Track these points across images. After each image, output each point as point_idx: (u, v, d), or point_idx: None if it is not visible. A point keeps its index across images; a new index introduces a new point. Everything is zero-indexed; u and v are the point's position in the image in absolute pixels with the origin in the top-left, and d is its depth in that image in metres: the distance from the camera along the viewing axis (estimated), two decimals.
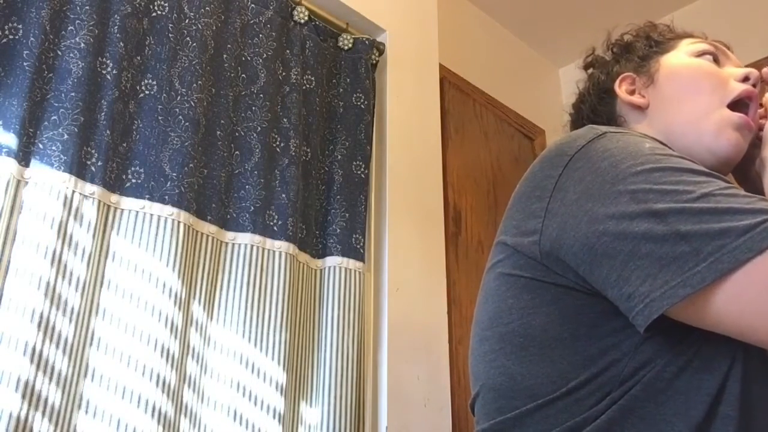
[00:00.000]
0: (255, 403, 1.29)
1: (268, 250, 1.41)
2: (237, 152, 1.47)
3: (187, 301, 1.27)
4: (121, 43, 1.31)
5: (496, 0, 2.53)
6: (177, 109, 1.35)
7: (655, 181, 0.61)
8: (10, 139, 1.13)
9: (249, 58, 1.55)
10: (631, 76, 0.90)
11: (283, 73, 1.60)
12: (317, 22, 1.73)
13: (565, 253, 0.65)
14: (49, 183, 1.15)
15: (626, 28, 0.99)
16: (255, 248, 1.39)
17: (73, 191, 1.17)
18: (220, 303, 1.33)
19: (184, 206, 1.30)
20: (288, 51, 1.63)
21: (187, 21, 1.43)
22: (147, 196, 1.27)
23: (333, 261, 1.53)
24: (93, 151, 1.23)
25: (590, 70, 0.99)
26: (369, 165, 1.69)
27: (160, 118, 1.33)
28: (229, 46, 1.51)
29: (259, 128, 1.49)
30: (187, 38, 1.42)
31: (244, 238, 1.40)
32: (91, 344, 1.15)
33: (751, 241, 0.56)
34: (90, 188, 1.20)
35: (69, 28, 1.26)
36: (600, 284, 0.63)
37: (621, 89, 0.90)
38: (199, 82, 1.40)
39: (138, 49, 1.36)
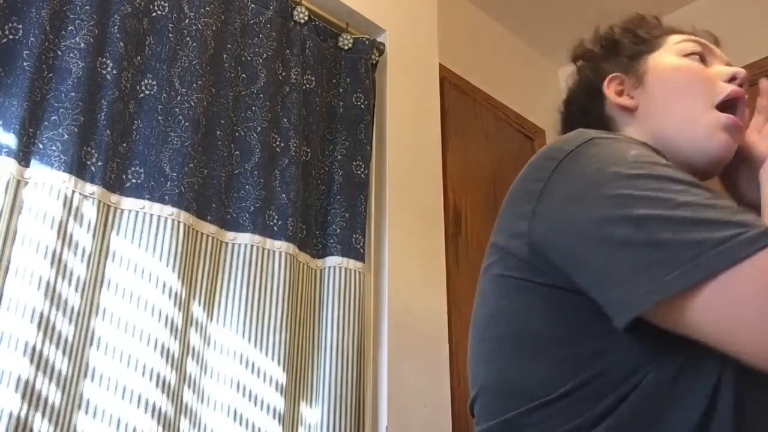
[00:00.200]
0: (255, 403, 1.29)
1: (268, 250, 1.41)
2: (237, 152, 1.47)
3: (187, 301, 1.27)
4: (121, 43, 1.31)
5: (496, 0, 2.53)
6: (177, 109, 1.35)
7: (638, 187, 0.62)
8: (10, 139, 1.13)
9: (249, 58, 1.55)
10: (619, 77, 0.90)
11: (283, 73, 1.60)
12: (317, 22, 1.73)
13: (552, 254, 0.66)
14: (49, 183, 1.15)
15: (614, 20, 0.99)
16: (255, 248, 1.39)
17: (73, 191, 1.17)
18: (220, 303, 1.33)
19: (184, 206, 1.29)
20: (288, 51, 1.63)
21: (187, 21, 1.43)
22: (147, 196, 1.27)
23: (333, 261, 1.53)
24: (93, 151, 1.23)
25: (579, 62, 0.99)
26: (369, 165, 1.69)
27: (160, 118, 1.33)
28: (229, 46, 1.51)
29: (259, 128, 1.49)
30: (187, 38, 1.42)
31: (244, 238, 1.40)
32: (91, 344, 1.15)
33: (724, 253, 0.57)
34: (90, 188, 1.20)
35: (69, 28, 1.26)
36: (584, 286, 0.64)
37: (610, 90, 0.90)
38: (199, 82, 1.40)
39: (138, 49, 1.36)
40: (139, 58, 1.36)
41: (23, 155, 1.16)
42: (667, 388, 0.63)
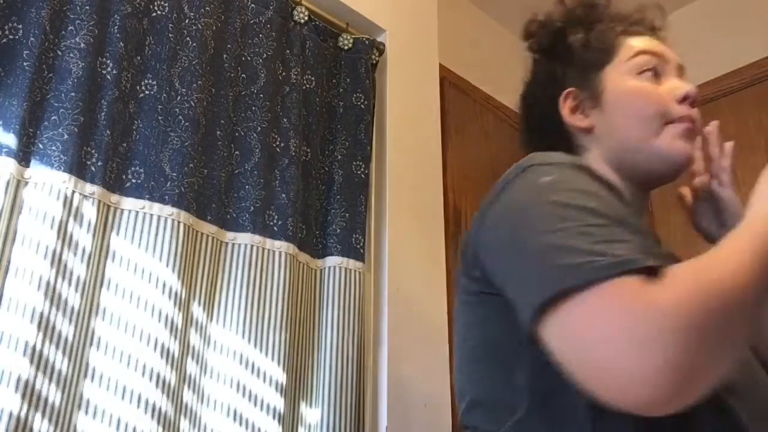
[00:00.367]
0: (255, 403, 1.29)
1: (268, 250, 1.41)
2: (237, 152, 1.47)
3: (187, 301, 1.27)
4: (121, 43, 1.31)
5: (496, 0, 2.53)
6: (177, 109, 1.35)
7: (531, 215, 0.68)
8: (10, 139, 1.13)
9: (249, 58, 1.55)
10: (574, 92, 0.92)
11: (283, 73, 1.60)
12: (317, 22, 1.73)
13: (488, 271, 0.73)
14: (49, 183, 1.15)
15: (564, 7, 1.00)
16: (255, 248, 1.39)
17: (73, 191, 1.17)
18: (220, 303, 1.33)
19: (184, 206, 1.29)
20: (288, 51, 1.63)
21: (187, 21, 1.43)
22: (147, 196, 1.27)
23: (333, 261, 1.53)
24: (93, 151, 1.23)
25: (535, 56, 1.00)
26: (369, 165, 1.69)
27: (160, 118, 1.33)
28: (229, 46, 1.51)
29: (259, 128, 1.49)
30: (187, 38, 1.42)
31: (244, 238, 1.40)
32: (91, 344, 1.15)
33: (568, 277, 0.60)
34: (90, 188, 1.20)
35: (69, 28, 1.26)
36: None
37: (565, 108, 0.92)
38: (199, 82, 1.40)
39: (138, 49, 1.36)
40: (139, 58, 1.36)
41: (23, 155, 1.16)
42: None
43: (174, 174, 1.30)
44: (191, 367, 1.26)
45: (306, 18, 1.68)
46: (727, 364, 0.59)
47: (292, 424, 1.36)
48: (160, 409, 1.15)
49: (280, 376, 1.32)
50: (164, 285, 1.22)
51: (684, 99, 0.86)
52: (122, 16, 1.33)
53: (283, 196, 1.48)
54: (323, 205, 1.60)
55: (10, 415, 1.00)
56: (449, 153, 2.04)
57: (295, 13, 1.67)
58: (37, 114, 1.19)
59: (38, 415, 1.04)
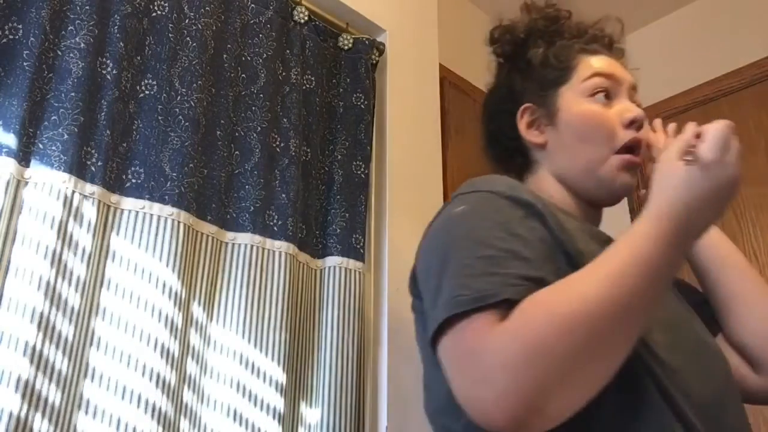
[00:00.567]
0: (255, 403, 1.29)
1: (268, 250, 1.41)
2: (237, 152, 1.47)
3: (187, 301, 1.27)
4: (121, 43, 1.31)
5: (497, 0, 2.53)
6: (177, 109, 1.35)
7: (438, 245, 0.76)
8: (10, 139, 1.13)
9: (249, 58, 1.54)
10: (531, 108, 0.97)
11: (283, 73, 1.60)
12: (317, 22, 1.73)
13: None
14: (49, 183, 1.15)
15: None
16: (255, 248, 1.39)
17: (73, 191, 1.17)
18: (220, 303, 1.33)
19: (184, 206, 1.29)
20: (288, 51, 1.63)
21: (187, 21, 1.43)
22: (147, 196, 1.27)
23: (333, 261, 1.53)
24: (93, 151, 1.23)
25: (498, 60, 1.05)
26: (369, 165, 1.69)
27: (160, 118, 1.33)
28: (229, 46, 1.51)
29: (259, 128, 1.49)
30: (187, 38, 1.42)
31: (244, 238, 1.39)
32: (91, 344, 1.15)
33: (441, 310, 0.67)
34: (90, 188, 1.20)
35: (69, 28, 1.26)
36: None
37: (522, 122, 0.97)
38: (199, 82, 1.40)
39: (138, 49, 1.36)
40: (139, 58, 1.36)
41: (23, 155, 1.16)
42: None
43: (174, 174, 1.30)
44: (191, 367, 1.26)
45: (306, 18, 1.68)
46: (602, 374, 0.62)
47: (292, 424, 1.36)
48: (160, 409, 1.15)
49: (280, 376, 1.32)
50: (164, 285, 1.21)
51: (630, 124, 0.90)
52: (122, 16, 1.33)
53: (283, 196, 1.48)
54: (323, 205, 1.60)
55: (10, 415, 1.00)
56: (449, 153, 2.04)
57: (295, 13, 1.67)
58: (37, 114, 1.19)
59: (38, 415, 1.04)
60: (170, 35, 1.39)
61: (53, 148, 1.17)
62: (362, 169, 1.65)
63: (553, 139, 0.94)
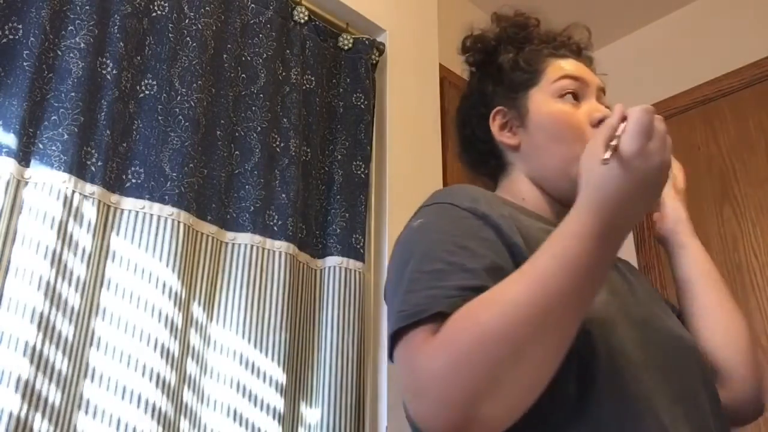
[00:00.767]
0: (255, 403, 1.29)
1: (268, 250, 1.41)
2: (237, 152, 1.47)
3: (187, 301, 1.27)
4: (121, 43, 1.31)
5: (497, 0, 2.53)
6: (177, 109, 1.35)
7: (398, 256, 0.78)
8: (10, 139, 1.13)
9: (249, 58, 1.54)
10: (503, 110, 0.98)
11: (283, 73, 1.60)
12: (317, 22, 1.73)
13: None
14: (49, 183, 1.15)
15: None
16: (255, 248, 1.39)
17: (73, 191, 1.17)
18: (220, 303, 1.33)
19: (184, 206, 1.29)
20: (288, 51, 1.63)
21: (187, 21, 1.43)
22: (147, 196, 1.27)
23: (333, 261, 1.53)
24: (93, 151, 1.23)
25: (471, 69, 1.07)
26: (369, 165, 1.69)
27: (160, 118, 1.33)
28: (229, 46, 1.51)
29: (259, 128, 1.49)
30: (187, 38, 1.42)
31: (244, 238, 1.39)
32: (91, 344, 1.15)
33: (392, 322, 0.69)
34: (90, 188, 1.20)
35: (69, 28, 1.26)
36: None
37: (495, 124, 0.99)
38: (199, 82, 1.40)
39: (138, 49, 1.36)
40: (139, 58, 1.36)
41: (23, 155, 1.16)
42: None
43: (174, 174, 1.30)
44: (191, 367, 1.25)
45: (306, 18, 1.68)
46: (537, 377, 0.63)
47: (292, 424, 1.36)
48: (160, 409, 1.15)
49: (280, 376, 1.32)
50: (164, 285, 1.21)
51: (599, 123, 0.90)
52: (122, 16, 1.33)
53: (283, 196, 1.48)
54: (323, 205, 1.60)
55: (10, 415, 1.00)
56: (449, 153, 2.04)
57: (295, 13, 1.67)
58: (37, 114, 1.19)
59: (38, 415, 1.04)
60: (170, 35, 1.39)
61: (53, 148, 1.17)
62: (362, 169, 1.65)
63: (525, 140, 0.95)
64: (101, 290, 1.19)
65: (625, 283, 0.87)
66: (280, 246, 1.42)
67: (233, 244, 1.39)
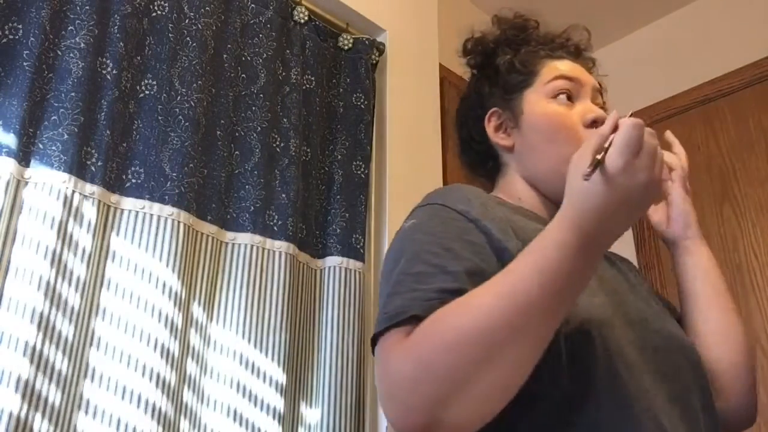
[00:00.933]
0: (255, 403, 1.29)
1: (268, 250, 1.41)
2: (237, 152, 1.47)
3: (187, 302, 1.27)
4: (121, 43, 1.31)
5: (497, 0, 2.53)
6: (177, 109, 1.35)
7: (389, 258, 0.78)
8: (10, 139, 1.13)
9: (249, 58, 1.54)
10: (498, 112, 0.99)
11: (283, 73, 1.60)
12: (317, 22, 1.73)
13: None
14: (49, 183, 1.15)
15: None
16: (255, 248, 1.39)
17: (73, 191, 1.17)
18: (220, 303, 1.33)
19: (184, 206, 1.29)
20: (288, 51, 1.63)
21: (187, 21, 1.43)
22: (147, 196, 1.27)
23: (333, 261, 1.53)
24: (93, 151, 1.23)
25: (473, 71, 1.07)
26: (369, 165, 1.69)
27: (160, 118, 1.33)
28: (229, 46, 1.51)
29: (259, 128, 1.49)
30: (187, 38, 1.42)
31: (244, 238, 1.39)
32: (91, 344, 1.15)
33: (377, 325, 0.69)
34: (90, 188, 1.20)
35: (69, 28, 1.26)
36: None
37: (490, 126, 0.99)
38: (199, 82, 1.40)
39: (138, 49, 1.36)
40: (139, 58, 1.36)
41: (23, 155, 1.16)
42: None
43: (174, 174, 1.30)
44: (191, 368, 1.25)
45: (306, 18, 1.68)
46: (505, 383, 0.63)
47: (292, 424, 1.36)
48: (160, 409, 1.15)
49: (280, 376, 1.32)
50: (164, 285, 1.21)
51: (592, 124, 0.90)
52: (122, 16, 1.33)
53: (283, 196, 1.48)
54: (323, 205, 1.60)
55: (10, 415, 1.00)
56: (449, 153, 2.04)
57: (295, 13, 1.67)
58: (37, 114, 1.19)
59: (38, 415, 1.04)
60: (170, 35, 1.39)
61: (53, 148, 1.17)
62: (362, 169, 1.65)
63: (519, 141, 0.96)
64: (101, 290, 1.19)
65: (624, 282, 0.87)
66: (280, 246, 1.42)
67: (233, 244, 1.39)
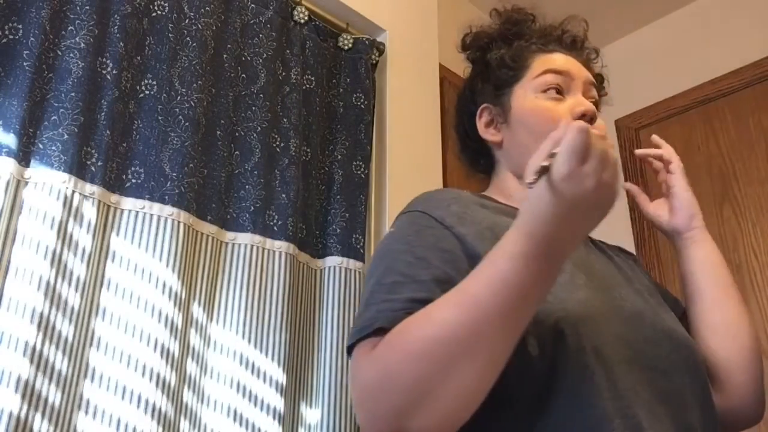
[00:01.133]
0: (255, 404, 1.29)
1: (268, 250, 1.41)
2: (237, 152, 1.47)
3: (187, 302, 1.27)
4: (121, 43, 1.31)
5: (497, 0, 2.53)
6: (177, 109, 1.35)
7: (373, 263, 0.79)
8: (10, 139, 1.13)
9: (249, 58, 1.54)
10: (488, 108, 0.98)
11: (283, 73, 1.60)
12: (317, 22, 1.73)
13: None
14: (49, 183, 1.15)
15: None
16: (255, 248, 1.39)
17: (73, 191, 1.17)
18: (220, 303, 1.33)
19: (184, 206, 1.29)
20: (288, 51, 1.63)
21: (187, 21, 1.43)
22: (147, 196, 1.27)
23: (333, 261, 1.53)
24: (93, 151, 1.23)
25: (468, 63, 1.07)
26: (369, 165, 1.69)
27: (160, 118, 1.33)
28: (229, 46, 1.51)
29: (259, 128, 1.49)
30: (187, 38, 1.42)
31: (244, 238, 1.39)
32: (91, 344, 1.15)
33: (352, 335, 0.71)
34: (90, 188, 1.20)
35: (69, 28, 1.26)
36: None
37: (480, 122, 0.99)
38: (199, 82, 1.40)
39: (138, 49, 1.36)
40: (139, 58, 1.36)
41: (23, 155, 1.16)
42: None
43: (174, 174, 1.30)
44: (191, 368, 1.25)
45: (306, 18, 1.68)
46: (467, 393, 0.63)
47: (292, 424, 1.36)
48: (160, 409, 1.15)
49: (280, 376, 1.32)
50: (164, 285, 1.21)
51: (581, 117, 0.88)
52: (122, 16, 1.33)
53: (283, 196, 1.48)
54: (323, 205, 1.60)
55: (10, 415, 1.00)
56: (449, 153, 2.04)
57: (295, 13, 1.67)
58: (37, 114, 1.19)
59: (38, 415, 1.04)
60: (170, 35, 1.39)
61: (53, 148, 1.17)
62: (362, 169, 1.65)
63: (508, 137, 0.95)
64: (101, 290, 1.19)
65: (619, 275, 0.86)
66: (280, 246, 1.42)
67: (233, 244, 1.39)
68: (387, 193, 1.69)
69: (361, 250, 1.56)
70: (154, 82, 1.35)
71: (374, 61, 1.80)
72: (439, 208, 0.80)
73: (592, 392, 0.68)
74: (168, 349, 1.19)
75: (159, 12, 1.40)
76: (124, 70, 1.31)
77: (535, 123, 0.90)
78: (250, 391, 1.29)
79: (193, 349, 1.27)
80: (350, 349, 0.71)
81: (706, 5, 2.45)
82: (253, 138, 1.48)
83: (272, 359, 1.33)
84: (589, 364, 0.69)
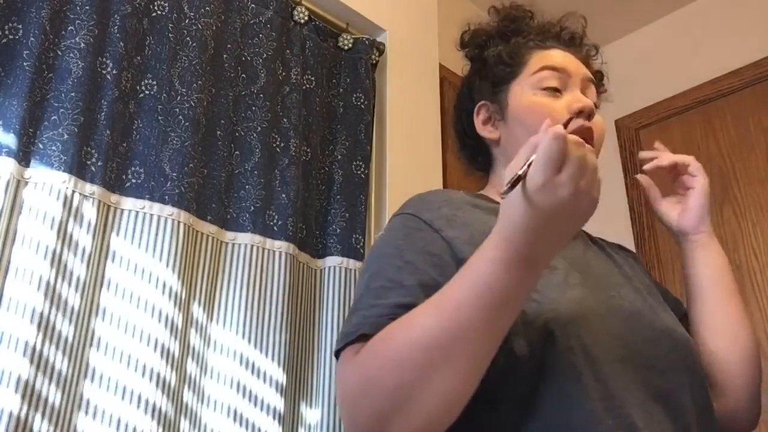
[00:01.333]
0: (255, 403, 1.29)
1: (268, 250, 1.41)
2: (237, 152, 1.47)
3: (187, 302, 1.27)
4: (121, 43, 1.31)
5: (497, 0, 2.53)
6: (177, 109, 1.35)
7: (363, 276, 0.79)
8: (10, 139, 1.13)
9: (249, 58, 1.54)
10: (486, 105, 0.98)
11: (283, 73, 1.60)
12: (317, 22, 1.73)
13: None
14: (49, 183, 1.15)
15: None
16: (255, 248, 1.39)
17: (73, 191, 1.17)
18: (220, 303, 1.33)
19: (184, 206, 1.29)
20: (288, 51, 1.63)
21: (187, 21, 1.43)
22: (147, 196, 1.27)
23: (333, 261, 1.53)
24: (93, 151, 1.23)
25: (469, 62, 1.07)
26: (369, 165, 1.69)
27: (160, 118, 1.33)
28: (229, 46, 1.51)
29: (259, 128, 1.49)
30: (187, 38, 1.42)
31: (244, 238, 1.39)
32: (91, 344, 1.15)
33: (339, 340, 0.72)
34: (90, 188, 1.20)
35: (69, 28, 1.26)
36: None
37: (478, 119, 0.98)
38: (199, 82, 1.40)
39: (138, 49, 1.36)
40: (139, 58, 1.36)
41: (23, 155, 1.16)
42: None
43: (174, 174, 1.30)
44: (191, 368, 1.25)
45: (306, 18, 1.68)
46: (448, 398, 0.63)
47: (292, 424, 1.36)
48: (160, 409, 1.15)
49: (280, 376, 1.32)
50: (164, 285, 1.21)
51: (579, 113, 0.87)
52: (122, 16, 1.33)
53: (283, 196, 1.48)
54: (323, 205, 1.60)
55: (10, 415, 1.00)
56: (449, 153, 2.04)
57: (295, 13, 1.67)
58: (37, 114, 1.19)
59: (38, 415, 1.04)
60: (170, 35, 1.39)
61: (53, 148, 1.17)
62: (362, 169, 1.65)
63: (505, 134, 0.94)
64: (101, 290, 1.19)
65: (619, 274, 0.85)
66: (280, 246, 1.42)
67: (233, 244, 1.39)
68: (387, 193, 1.69)
69: (361, 250, 1.56)
70: (154, 82, 1.35)
71: (374, 61, 1.80)
72: (430, 211, 0.80)
73: (580, 393, 0.67)
74: (168, 349, 1.18)
75: (159, 12, 1.40)
76: (124, 70, 1.31)
77: (531, 120, 0.89)
78: (250, 391, 1.29)
79: (193, 349, 1.27)
80: (338, 354, 0.72)
81: (706, 5, 2.45)
82: (253, 138, 1.48)
83: (272, 359, 1.33)
84: (577, 364, 0.69)
